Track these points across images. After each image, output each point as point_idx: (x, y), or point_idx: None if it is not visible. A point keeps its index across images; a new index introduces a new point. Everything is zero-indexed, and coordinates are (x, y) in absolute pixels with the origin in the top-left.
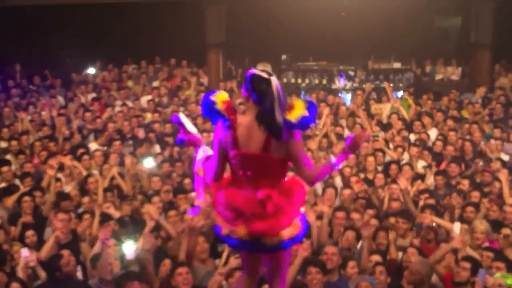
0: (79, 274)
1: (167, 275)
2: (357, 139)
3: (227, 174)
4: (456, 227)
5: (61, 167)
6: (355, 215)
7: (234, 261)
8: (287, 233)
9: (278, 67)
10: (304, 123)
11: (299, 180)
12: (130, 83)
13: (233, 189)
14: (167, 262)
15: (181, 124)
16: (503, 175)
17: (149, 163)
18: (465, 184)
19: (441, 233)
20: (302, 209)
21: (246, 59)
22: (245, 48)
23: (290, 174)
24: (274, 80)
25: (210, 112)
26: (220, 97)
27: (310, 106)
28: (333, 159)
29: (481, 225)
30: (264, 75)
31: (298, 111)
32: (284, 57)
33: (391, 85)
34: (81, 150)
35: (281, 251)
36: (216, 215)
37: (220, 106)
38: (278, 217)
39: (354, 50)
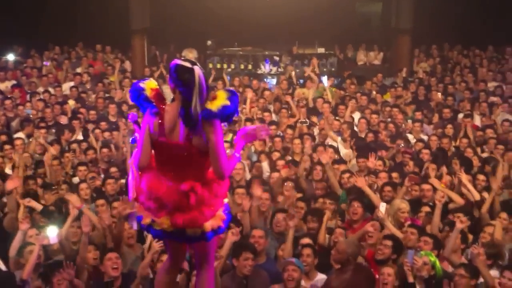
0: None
1: (95, 262)
2: (256, 131)
3: (152, 162)
4: (382, 207)
5: None
6: (282, 198)
7: (156, 245)
8: (210, 224)
9: (204, 52)
10: (224, 113)
11: None
12: (53, 70)
13: (156, 179)
14: (91, 249)
15: (137, 123)
16: (425, 155)
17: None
18: (381, 165)
19: (366, 213)
20: (226, 200)
21: (171, 45)
22: (170, 33)
23: None
24: (197, 69)
25: (138, 98)
26: (149, 85)
27: (232, 96)
28: (235, 152)
29: (402, 204)
30: (187, 64)
31: (220, 101)
32: (209, 42)
33: (316, 69)
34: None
35: (204, 241)
36: (138, 204)
37: (148, 93)
38: (201, 209)
39: (279, 35)
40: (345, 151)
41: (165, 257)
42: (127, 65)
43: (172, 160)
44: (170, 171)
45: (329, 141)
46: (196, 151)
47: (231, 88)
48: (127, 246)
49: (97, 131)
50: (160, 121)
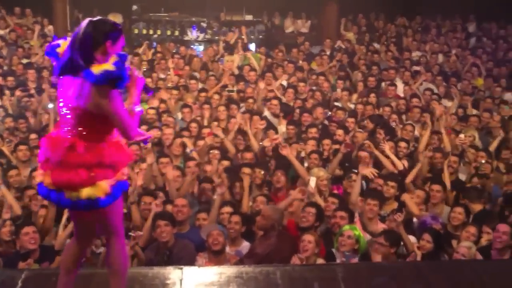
0: None
1: (11, 235)
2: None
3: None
4: (312, 182)
5: None
6: (208, 167)
7: None
8: (86, 192)
9: (129, 17)
10: (107, 77)
11: (118, 143)
12: None
13: (52, 133)
14: (8, 223)
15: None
16: (351, 124)
17: None
18: (312, 132)
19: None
20: (123, 177)
21: (95, 9)
22: None
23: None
24: (84, 21)
25: (52, 56)
26: (65, 45)
27: (118, 60)
28: (134, 107)
29: (320, 172)
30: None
31: (105, 65)
32: (135, 7)
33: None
34: None
35: (80, 209)
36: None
37: (61, 49)
38: (77, 171)
39: (206, 1)
40: (273, 119)
41: None
42: (48, 29)
43: (63, 115)
44: (62, 126)
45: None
46: (79, 109)
47: (124, 53)
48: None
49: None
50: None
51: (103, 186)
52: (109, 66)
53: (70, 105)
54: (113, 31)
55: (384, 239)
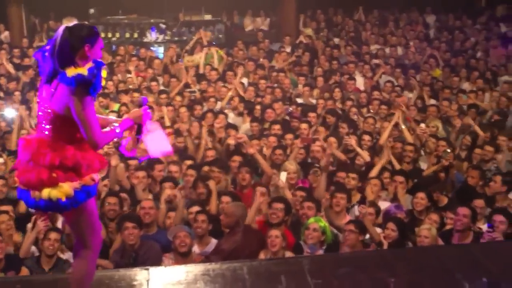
0: None
1: None
2: (142, 114)
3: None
4: (283, 176)
5: None
6: (172, 167)
7: (41, 224)
8: (47, 192)
9: (86, 21)
10: (78, 81)
11: (91, 152)
12: None
13: (31, 135)
14: None
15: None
16: (312, 119)
17: None
18: (275, 128)
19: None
20: (91, 181)
21: (52, 14)
22: (49, 1)
23: None
24: (60, 28)
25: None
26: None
27: (93, 66)
28: (117, 127)
29: (291, 166)
30: (66, 24)
31: (80, 69)
32: (92, 11)
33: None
34: None
35: (42, 209)
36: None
37: None
38: (39, 171)
39: (164, 2)
40: (236, 118)
41: (52, 235)
42: (5, 35)
43: (38, 114)
44: (38, 125)
45: (218, 108)
46: (53, 112)
47: (99, 60)
48: None
49: None
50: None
51: (65, 188)
52: (83, 70)
53: (43, 107)
54: (90, 35)
55: (354, 226)
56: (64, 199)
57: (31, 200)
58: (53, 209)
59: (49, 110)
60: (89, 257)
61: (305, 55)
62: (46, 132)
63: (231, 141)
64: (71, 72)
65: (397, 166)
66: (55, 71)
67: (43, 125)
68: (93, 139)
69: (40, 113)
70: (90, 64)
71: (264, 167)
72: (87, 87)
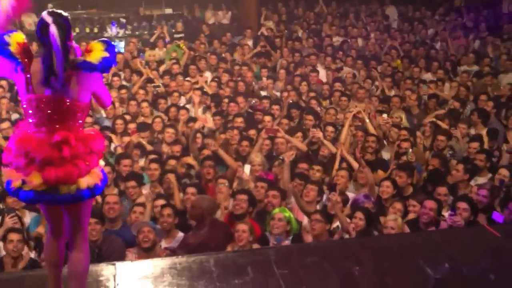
0: None
1: None
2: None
3: (21, 122)
4: (247, 169)
5: None
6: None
7: (9, 221)
8: (85, 181)
9: None
10: (106, 64)
11: (97, 132)
12: None
13: (26, 135)
14: None
15: None
16: (276, 111)
17: None
18: (238, 121)
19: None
20: (102, 163)
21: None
22: None
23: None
24: (52, 28)
25: (2, 53)
26: (15, 38)
27: (109, 46)
28: None
29: (256, 158)
30: (48, 19)
31: (98, 53)
32: (50, 6)
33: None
34: None
35: (79, 201)
36: (5, 168)
37: (13, 48)
38: (75, 163)
39: None
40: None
41: (13, 236)
42: None
43: (44, 114)
44: (41, 126)
45: (181, 103)
46: (70, 102)
47: (105, 39)
48: None
49: None
50: (26, 77)
51: (97, 172)
52: (103, 53)
53: (50, 100)
54: (67, 17)
55: (319, 215)
56: (100, 183)
57: (62, 197)
58: (92, 196)
59: (61, 101)
60: (87, 250)
61: (266, 48)
62: (56, 125)
63: (196, 125)
64: (93, 58)
65: (354, 165)
66: (61, 62)
67: (43, 119)
68: (109, 98)
69: (37, 108)
70: (99, 45)
71: (228, 162)
72: (109, 68)
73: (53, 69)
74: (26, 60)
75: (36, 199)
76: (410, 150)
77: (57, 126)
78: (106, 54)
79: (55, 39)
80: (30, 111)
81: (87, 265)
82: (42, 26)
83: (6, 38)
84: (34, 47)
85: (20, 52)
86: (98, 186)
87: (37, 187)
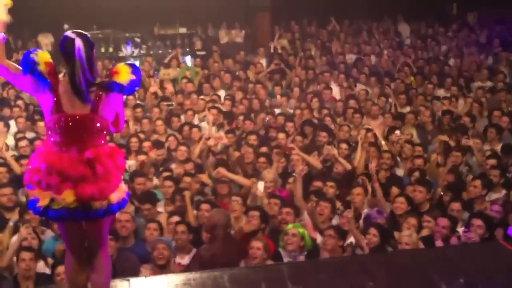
0: None
1: None
2: None
3: (42, 142)
4: (261, 186)
5: None
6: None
7: (25, 231)
8: (116, 196)
9: (61, 37)
10: (132, 86)
11: (117, 148)
12: None
13: (56, 154)
14: None
15: None
16: (290, 128)
17: None
18: (251, 139)
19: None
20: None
21: (25, 30)
22: (23, 18)
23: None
24: (78, 41)
25: (31, 72)
26: (42, 58)
27: (135, 70)
28: None
29: (268, 175)
30: (72, 35)
31: (125, 75)
32: (66, 26)
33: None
34: None
35: (108, 216)
36: (32, 187)
37: (42, 68)
38: (107, 179)
39: (139, 16)
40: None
41: (25, 255)
42: None
43: (73, 133)
44: (70, 144)
45: (195, 121)
46: (100, 122)
47: (131, 62)
48: None
49: None
50: (54, 95)
51: (123, 187)
52: (130, 75)
53: (81, 119)
54: (89, 36)
55: (333, 231)
56: (126, 197)
57: (94, 213)
58: (120, 209)
59: (92, 120)
60: (109, 266)
61: (280, 66)
62: (86, 143)
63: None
64: (121, 79)
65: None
66: (86, 75)
67: (72, 137)
68: (123, 122)
69: (66, 128)
70: (125, 68)
71: (240, 182)
72: (135, 90)
73: (78, 84)
74: (54, 80)
75: (68, 217)
76: (398, 131)
77: (86, 143)
78: (133, 77)
79: (80, 52)
80: (58, 130)
81: (109, 276)
82: (67, 41)
83: (34, 56)
84: None
85: (48, 72)
86: (125, 200)
87: (69, 204)
